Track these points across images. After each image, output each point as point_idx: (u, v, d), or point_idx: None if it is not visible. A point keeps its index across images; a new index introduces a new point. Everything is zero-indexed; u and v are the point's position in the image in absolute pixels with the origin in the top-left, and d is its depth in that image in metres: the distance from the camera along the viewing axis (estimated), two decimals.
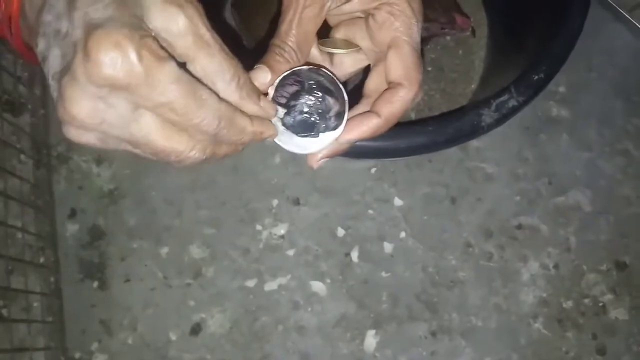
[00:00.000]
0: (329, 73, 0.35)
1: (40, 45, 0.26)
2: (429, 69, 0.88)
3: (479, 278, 0.86)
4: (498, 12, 0.87)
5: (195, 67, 0.27)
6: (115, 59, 0.23)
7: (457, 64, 0.88)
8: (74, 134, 0.26)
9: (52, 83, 0.26)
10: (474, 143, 0.90)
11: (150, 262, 0.87)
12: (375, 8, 0.35)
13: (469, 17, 0.81)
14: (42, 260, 0.85)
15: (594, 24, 0.96)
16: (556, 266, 0.87)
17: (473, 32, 0.82)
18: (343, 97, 0.34)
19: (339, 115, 0.34)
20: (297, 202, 0.89)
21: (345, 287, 0.86)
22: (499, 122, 0.61)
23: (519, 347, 0.84)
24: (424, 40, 0.82)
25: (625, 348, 0.85)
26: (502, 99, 0.60)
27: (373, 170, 0.90)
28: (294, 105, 0.34)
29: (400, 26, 0.34)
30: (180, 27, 0.26)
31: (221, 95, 0.28)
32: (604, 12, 0.97)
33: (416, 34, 0.35)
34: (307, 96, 0.34)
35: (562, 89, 0.94)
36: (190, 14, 0.26)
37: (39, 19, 0.26)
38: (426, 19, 0.75)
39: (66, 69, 0.24)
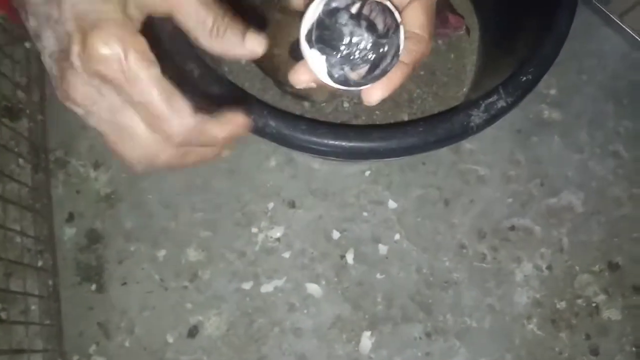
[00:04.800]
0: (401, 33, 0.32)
1: (32, 23, 0.28)
2: (422, 72, 0.89)
3: (472, 279, 0.87)
4: (489, 17, 0.89)
5: (179, 21, 0.29)
6: (106, 58, 0.26)
7: (449, 67, 0.90)
8: (67, 104, 0.29)
9: (48, 61, 0.28)
10: (467, 145, 0.92)
11: (148, 265, 0.87)
12: None
13: (462, 17, 0.83)
14: (40, 263, 0.86)
15: (584, 28, 0.98)
16: (549, 267, 0.88)
17: (467, 30, 0.84)
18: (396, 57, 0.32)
19: (380, 75, 0.32)
20: (292, 204, 0.90)
21: (341, 289, 0.87)
22: (488, 122, 0.62)
23: (513, 348, 0.85)
24: None
25: (618, 348, 0.85)
26: (491, 99, 0.62)
27: (367, 173, 0.91)
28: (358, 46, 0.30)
29: None
30: None
31: (204, 46, 0.30)
32: (595, 17, 0.99)
33: None
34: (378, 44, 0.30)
35: (553, 91, 0.95)
36: None
37: None
38: None
39: (64, 56, 0.27)
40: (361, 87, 0.32)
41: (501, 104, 0.62)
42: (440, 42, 0.90)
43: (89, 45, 0.26)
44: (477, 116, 0.61)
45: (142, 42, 0.27)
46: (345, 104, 0.90)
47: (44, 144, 0.92)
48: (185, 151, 0.30)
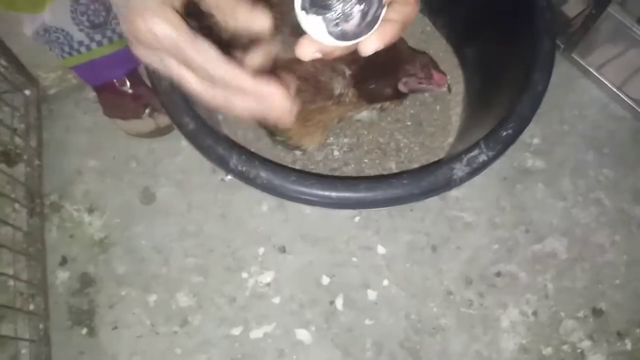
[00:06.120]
0: None
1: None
2: (409, 123, 0.93)
3: (460, 325, 0.88)
4: (473, 71, 0.93)
5: (204, 5, 0.35)
6: (140, 25, 0.33)
7: (435, 118, 0.93)
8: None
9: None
10: (454, 193, 0.94)
11: (138, 309, 0.88)
12: None
13: (446, 75, 0.87)
14: (32, 307, 0.86)
15: (565, 80, 1.02)
16: (535, 313, 0.89)
17: (449, 88, 0.87)
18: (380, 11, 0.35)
19: (371, 21, 0.35)
20: (283, 250, 0.91)
21: (330, 335, 0.87)
22: (470, 175, 0.65)
23: None
24: (404, 96, 0.87)
25: None
26: (472, 154, 0.64)
27: (357, 218, 0.93)
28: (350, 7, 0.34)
29: None
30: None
31: (225, 27, 0.35)
32: (574, 69, 1.03)
33: None
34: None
35: (536, 140, 0.98)
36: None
37: None
38: (406, 73, 0.80)
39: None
40: (358, 39, 0.35)
41: (482, 158, 0.65)
42: (426, 94, 0.94)
43: (130, 21, 0.33)
44: (459, 169, 0.64)
45: (174, 17, 0.33)
46: (336, 152, 0.93)
47: (39, 189, 0.94)
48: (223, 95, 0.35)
